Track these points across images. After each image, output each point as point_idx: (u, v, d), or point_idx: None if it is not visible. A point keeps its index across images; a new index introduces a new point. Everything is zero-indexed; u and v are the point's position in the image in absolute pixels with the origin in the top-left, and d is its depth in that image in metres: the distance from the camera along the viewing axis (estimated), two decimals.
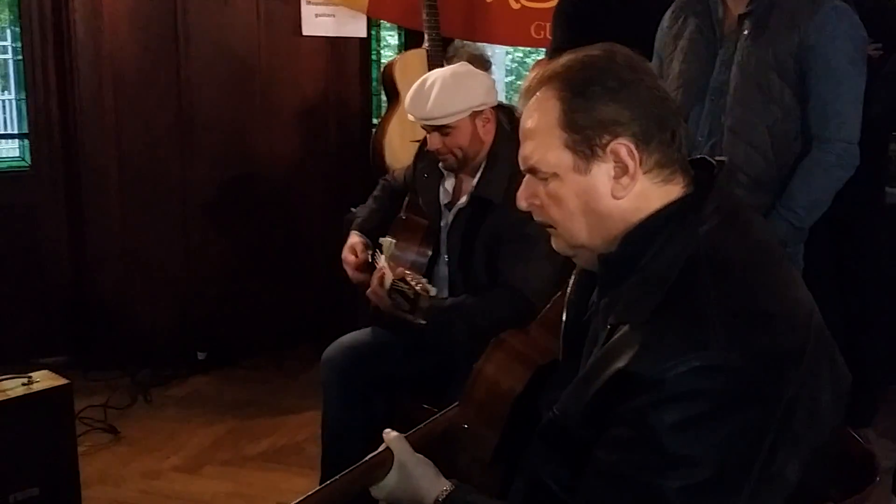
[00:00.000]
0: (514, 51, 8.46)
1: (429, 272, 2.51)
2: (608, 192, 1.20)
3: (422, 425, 1.60)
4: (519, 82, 9.71)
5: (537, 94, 1.25)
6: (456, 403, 1.61)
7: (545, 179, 1.23)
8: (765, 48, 2.25)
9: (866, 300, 3.32)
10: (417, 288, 2.14)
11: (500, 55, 8.27)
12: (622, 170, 1.19)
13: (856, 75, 2.28)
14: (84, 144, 3.76)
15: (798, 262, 2.39)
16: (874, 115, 2.52)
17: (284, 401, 3.64)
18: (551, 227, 1.27)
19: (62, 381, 2.67)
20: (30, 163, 3.86)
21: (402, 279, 2.19)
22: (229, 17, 3.88)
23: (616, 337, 1.14)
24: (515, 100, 8.28)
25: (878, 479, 1.25)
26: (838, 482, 1.24)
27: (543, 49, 4.76)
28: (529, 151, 1.24)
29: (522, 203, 1.29)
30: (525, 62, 9.38)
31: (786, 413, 1.08)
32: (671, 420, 1.04)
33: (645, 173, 1.19)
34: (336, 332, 2.58)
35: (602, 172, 1.20)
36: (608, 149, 1.18)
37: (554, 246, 1.30)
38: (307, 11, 4.02)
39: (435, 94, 2.31)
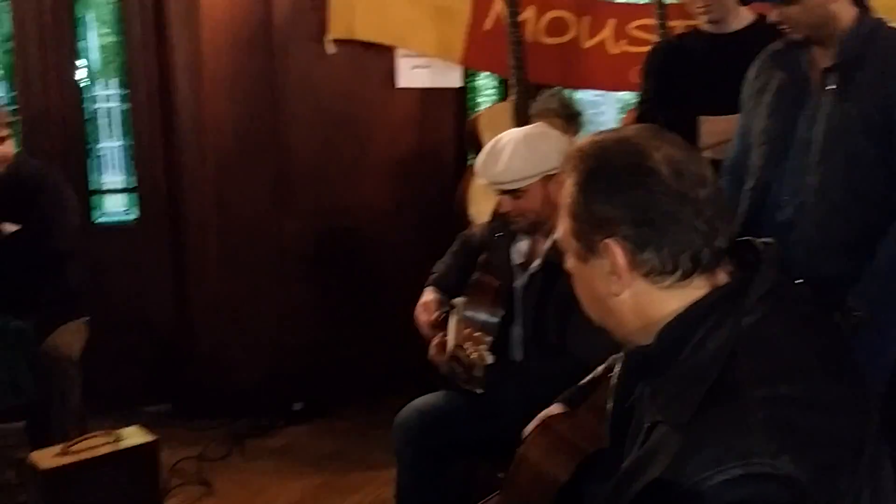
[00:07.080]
0: None
1: (503, 332, 2.45)
2: (608, 287, 1.17)
3: None
4: None
5: (565, 171, 1.23)
6: (497, 492, 1.55)
7: None
8: (850, 103, 2.10)
9: None
10: (473, 357, 2.09)
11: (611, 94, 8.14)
12: (613, 268, 1.16)
13: None
14: (186, 200, 3.90)
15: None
16: None
17: (376, 454, 3.60)
18: None
19: (149, 437, 2.73)
20: (138, 216, 4.04)
21: (461, 346, 2.14)
22: (325, 73, 3.94)
23: (654, 437, 1.08)
24: None
25: None
26: None
27: None
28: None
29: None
30: None
31: None
32: None
33: (645, 276, 1.13)
34: (430, 381, 2.55)
35: (598, 267, 1.17)
36: (601, 245, 1.15)
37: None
38: (402, 64, 4.03)
39: (507, 158, 2.26)
